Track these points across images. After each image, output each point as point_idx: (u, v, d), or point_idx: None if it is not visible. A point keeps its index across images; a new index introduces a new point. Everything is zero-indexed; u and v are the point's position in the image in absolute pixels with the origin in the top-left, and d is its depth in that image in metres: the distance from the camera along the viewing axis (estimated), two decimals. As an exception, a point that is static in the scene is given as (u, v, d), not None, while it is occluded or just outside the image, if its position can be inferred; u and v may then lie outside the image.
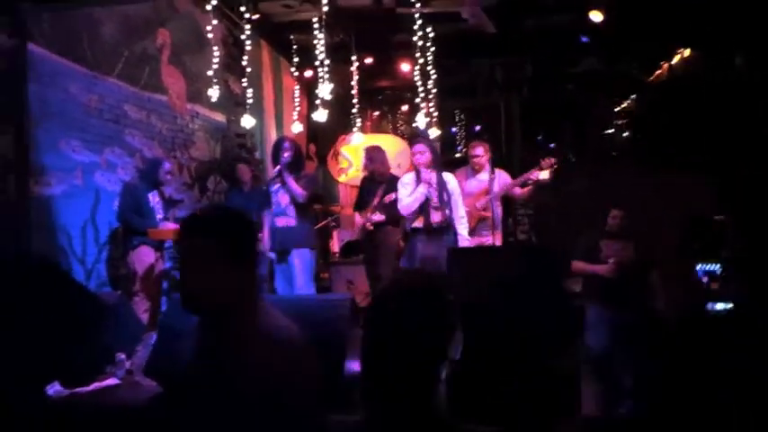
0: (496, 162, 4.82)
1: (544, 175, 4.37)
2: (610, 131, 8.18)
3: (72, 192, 4.01)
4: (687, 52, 6.88)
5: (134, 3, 3.81)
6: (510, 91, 7.88)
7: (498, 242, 4.32)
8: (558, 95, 7.93)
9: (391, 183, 4.70)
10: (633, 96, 7.79)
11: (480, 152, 4.45)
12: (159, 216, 4.29)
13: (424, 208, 3.91)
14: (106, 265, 4.37)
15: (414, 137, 5.25)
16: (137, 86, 4.67)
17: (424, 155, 3.93)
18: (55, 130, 3.82)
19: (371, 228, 4.82)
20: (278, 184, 4.35)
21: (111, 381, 3.11)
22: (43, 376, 2.55)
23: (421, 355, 1.06)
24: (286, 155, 4.21)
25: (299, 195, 4.21)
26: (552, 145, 8.41)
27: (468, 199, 4.40)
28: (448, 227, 3.92)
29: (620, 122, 8.16)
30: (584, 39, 5.62)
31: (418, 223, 3.97)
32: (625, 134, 8.08)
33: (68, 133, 3.95)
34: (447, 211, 3.89)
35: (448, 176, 4.04)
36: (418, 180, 3.95)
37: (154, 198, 4.29)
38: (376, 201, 4.81)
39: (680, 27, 6.02)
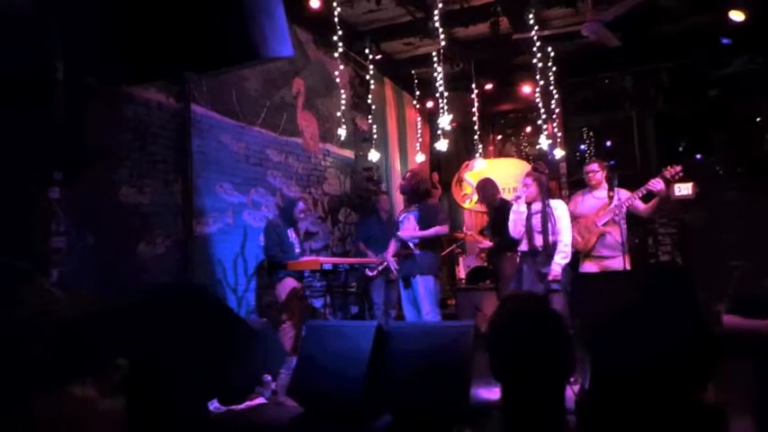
0: (632, 178, 4.55)
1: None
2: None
3: (225, 229, 4.55)
4: None
5: (276, 60, 4.32)
6: (643, 102, 7.39)
7: (625, 264, 4.04)
8: (701, 102, 7.25)
9: (499, 209, 4.87)
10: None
11: (595, 167, 4.31)
12: (297, 251, 4.69)
13: (528, 233, 4.01)
14: (254, 295, 4.85)
15: (537, 159, 5.23)
16: (276, 132, 5.21)
17: (528, 188, 4.04)
18: (212, 176, 4.40)
19: (482, 254, 4.97)
20: (405, 213, 4.70)
21: (260, 400, 3.45)
22: (206, 393, 2.91)
23: (539, 372, 1.12)
24: (404, 185, 4.72)
25: (441, 222, 4.56)
26: (699, 156, 7.67)
27: (587, 217, 4.25)
28: (551, 251, 3.93)
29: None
30: (726, 40, 5.13)
31: (524, 247, 4.06)
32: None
33: (222, 178, 4.53)
34: (551, 237, 3.94)
35: (556, 203, 4.06)
36: (528, 206, 4.07)
37: (291, 234, 4.70)
38: (485, 228, 5.10)
39: None
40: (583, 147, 8.89)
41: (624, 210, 4.09)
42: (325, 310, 5.04)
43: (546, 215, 3.97)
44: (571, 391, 3.07)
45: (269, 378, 3.68)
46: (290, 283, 4.53)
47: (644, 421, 1.97)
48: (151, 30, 2.84)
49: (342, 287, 4.93)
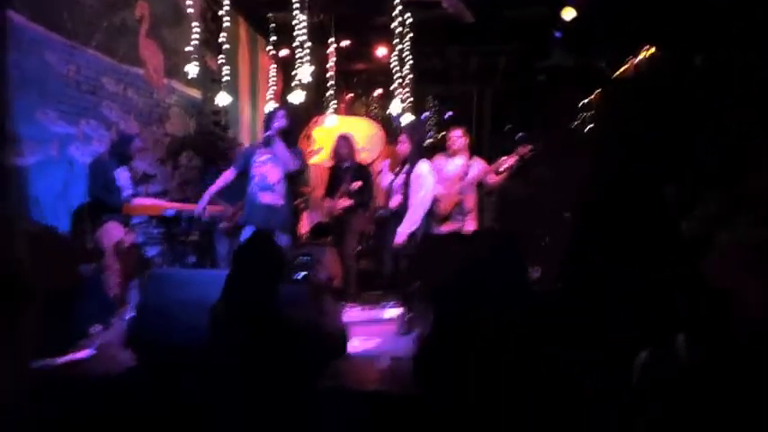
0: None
1: (507, 162, 4.42)
2: (575, 124, 8.47)
3: (46, 163, 3.97)
4: (652, 50, 7.18)
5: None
6: (483, 79, 8.04)
7: (473, 228, 4.39)
8: (529, 86, 8.12)
9: (358, 170, 4.96)
10: (598, 91, 8.06)
11: (459, 134, 4.43)
12: (128, 192, 4.23)
13: (388, 193, 4.19)
14: (79, 240, 4.35)
15: (385, 121, 5.38)
16: (115, 59, 4.61)
17: (404, 144, 4.14)
18: (32, 100, 3.77)
19: (341, 213, 4.96)
20: (266, 155, 3.93)
21: (87, 352, 3.19)
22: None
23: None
24: (280, 122, 3.87)
25: (293, 165, 3.90)
26: (520, 134, 8.63)
27: (446, 183, 4.39)
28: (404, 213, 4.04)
29: (584, 115, 8.45)
30: (558, 34, 5.80)
31: (389, 207, 4.23)
32: (589, 126, 8.37)
33: (45, 103, 3.90)
34: (406, 198, 4.05)
35: (420, 167, 4.11)
36: (402, 166, 4.16)
37: (123, 174, 4.23)
38: (344, 187, 4.93)
39: (647, 26, 6.29)
40: (425, 114, 9.40)
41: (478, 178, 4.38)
42: (162, 259, 4.74)
43: (409, 175, 4.05)
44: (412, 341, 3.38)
45: (99, 328, 3.42)
46: (113, 228, 4.08)
47: (475, 361, 2.26)
48: None
49: (184, 236, 4.65)
